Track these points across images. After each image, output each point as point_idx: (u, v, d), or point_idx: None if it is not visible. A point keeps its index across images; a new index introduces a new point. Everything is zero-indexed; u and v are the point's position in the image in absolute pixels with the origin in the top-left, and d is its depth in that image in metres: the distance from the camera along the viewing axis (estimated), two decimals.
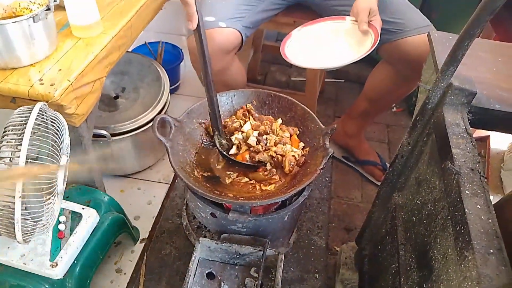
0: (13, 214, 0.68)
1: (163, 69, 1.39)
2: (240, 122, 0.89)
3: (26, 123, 0.69)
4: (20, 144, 0.68)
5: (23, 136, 0.68)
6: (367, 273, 1.02)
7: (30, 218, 0.73)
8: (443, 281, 0.59)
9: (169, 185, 1.31)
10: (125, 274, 1.10)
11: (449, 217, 0.60)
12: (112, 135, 1.21)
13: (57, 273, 0.88)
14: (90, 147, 1.06)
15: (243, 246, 0.70)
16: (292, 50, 1.02)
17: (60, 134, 0.76)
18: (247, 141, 0.80)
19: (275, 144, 0.79)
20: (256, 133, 0.82)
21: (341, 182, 1.54)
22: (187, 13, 0.79)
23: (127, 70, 1.39)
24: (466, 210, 0.55)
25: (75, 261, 0.93)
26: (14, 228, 0.70)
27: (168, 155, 0.74)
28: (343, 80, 1.95)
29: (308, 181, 0.70)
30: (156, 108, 1.29)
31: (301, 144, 0.82)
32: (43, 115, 0.74)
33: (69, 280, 0.92)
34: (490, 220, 0.54)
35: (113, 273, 1.11)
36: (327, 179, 1.02)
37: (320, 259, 0.85)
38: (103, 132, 1.16)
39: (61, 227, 0.94)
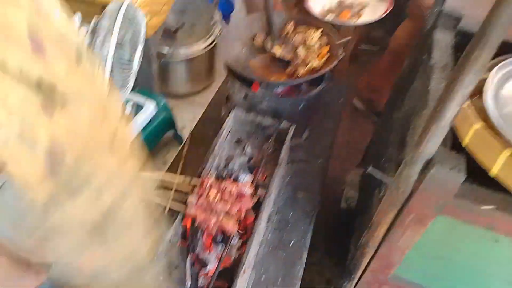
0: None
1: (219, 12, 1.63)
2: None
3: (119, 11, 0.95)
4: (113, 28, 0.94)
5: (115, 20, 0.94)
6: (365, 188, 1.21)
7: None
8: (409, 144, 0.78)
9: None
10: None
11: (421, 100, 0.79)
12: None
13: None
14: (154, 59, 1.32)
15: (265, 117, 0.93)
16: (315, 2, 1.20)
17: (139, 26, 1.02)
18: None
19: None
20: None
21: (359, 130, 1.73)
22: None
23: (186, 8, 1.64)
24: (430, 88, 0.74)
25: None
26: None
27: (221, 48, 0.98)
28: (377, 48, 2.12)
29: (324, 70, 0.92)
30: (207, 41, 1.54)
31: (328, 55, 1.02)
32: (128, 8, 0.99)
33: None
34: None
35: (160, 164, 1.38)
36: (340, 101, 1.22)
37: (324, 152, 1.06)
38: (166, 48, 1.42)
39: (128, 110, 1.21)
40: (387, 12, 1.15)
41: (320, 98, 1.12)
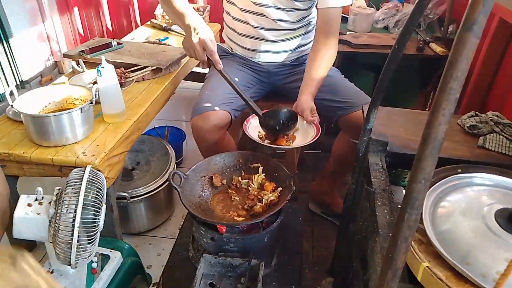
0: (71, 243, 0.97)
1: (170, 146, 1.74)
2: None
3: (82, 178, 1.00)
4: (78, 195, 0.98)
5: (80, 187, 0.99)
6: None
7: (80, 247, 1.00)
8: (371, 266, 0.86)
9: (175, 239, 1.58)
10: None
11: (371, 222, 0.89)
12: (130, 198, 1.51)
13: None
14: (115, 205, 1.35)
15: (234, 258, 0.97)
16: (253, 129, 1.36)
17: (101, 187, 1.07)
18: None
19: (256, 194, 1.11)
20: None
21: (322, 233, 1.80)
22: (214, 61, 1.25)
23: (140, 148, 1.74)
24: (377, 213, 0.84)
25: None
26: (71, 253, 0.97)
27: (180, 197, 1.04)
28: (319, 151, 2.31)
29: (278, 207, 1.00)
30: (164, 177, 1.61)
31: (279, 189, 1.12)
32: (90, 174, 1.05)
33: None
34: (392, 218, 0.83)
35: None
36: (300, 219, 1.30)
37: (295, 275, 1.10)
38: (124, 194, 1.46)
39: (94, 265, 1.19)
40: (317, 137, 1.30)
41: (282, 224, 1.20)
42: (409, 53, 1.92)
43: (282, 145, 1.27)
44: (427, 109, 2.15)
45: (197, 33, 1.23)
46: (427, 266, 0.62)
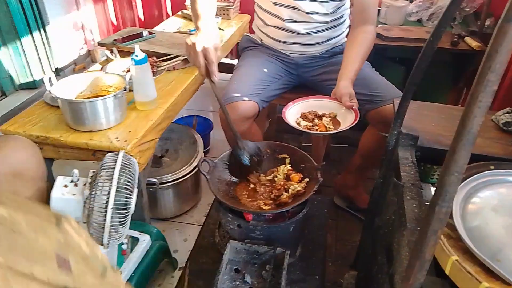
0: (104, 224, 1.01)
1: (198, 135, 1.77)
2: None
3: (115, 162, 1.04)
4: (111, 178, 1.02)
5: (114, 171, 1.03)
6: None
7: (112, 229, 1.05)
8: (397, 260, 0.85)
9: (201, 226, 1.61)
10: None
11: (399, 216, 0.88)
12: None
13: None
14: (144, 190, 1.39)
15: (260, 246, 0.99)
16: (291, 116, 1.37)
17: (133, 172, 1.10)
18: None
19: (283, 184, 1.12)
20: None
21: (346, 227, 1.80)
22: (211, 71, 1.16)
23: (169, 136, 1.78)
24: (405, 207, 0.84)
25: (133, 274, 1.22)
26: (103, 233, 1.02)
27: (208, 183, 1.06)
28: (346, 145, 2.29)
29: (305, 198, 1.01)
30: (192, 165, 1.64)
31: (306, 179, 1.13)
32: (123, 158, 1.09)
33: None
34: (420, 213, 0.83)
35: None
36: (325, 211, 1.30)
37: (319, 266, 1.11)
38: (154, 180, 1.50)
39: (124, 247, 1.24)
40: (356, 121, 1.29)
41: (307, 216, 1.20)
42: (442, 47, 1.87)
43: (322, 131, 1.28)
44: (459, 105, 2.09)
45: (201, 40, 1.16)
46: (456, 260, 0.62)
